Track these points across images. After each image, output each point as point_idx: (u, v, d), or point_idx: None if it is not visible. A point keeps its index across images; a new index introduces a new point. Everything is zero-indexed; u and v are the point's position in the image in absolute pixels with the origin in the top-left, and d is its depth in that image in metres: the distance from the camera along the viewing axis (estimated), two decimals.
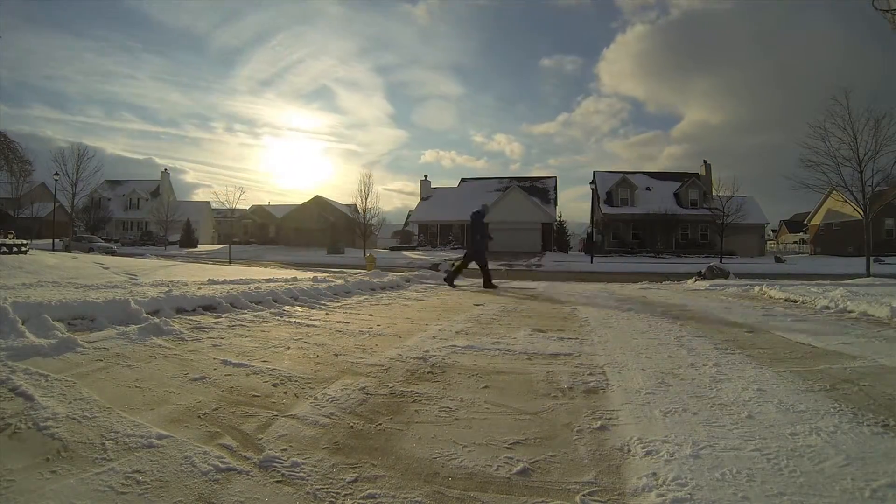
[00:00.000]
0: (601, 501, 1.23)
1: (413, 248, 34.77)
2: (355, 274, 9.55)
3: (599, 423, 1.77)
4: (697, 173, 36.73)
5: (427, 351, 2.94)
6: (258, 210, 47.16)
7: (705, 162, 36.86)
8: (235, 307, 4.57)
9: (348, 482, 1.29)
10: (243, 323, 3.76)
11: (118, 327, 3.19)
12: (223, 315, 4.09)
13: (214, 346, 2.90)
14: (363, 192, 31.53)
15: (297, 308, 4.88)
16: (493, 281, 8.75)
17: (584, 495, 1.25)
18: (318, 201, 43.54)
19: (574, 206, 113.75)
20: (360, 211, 31.97)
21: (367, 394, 2.08)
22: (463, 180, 42.95)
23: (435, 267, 12.51)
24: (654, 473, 1.34)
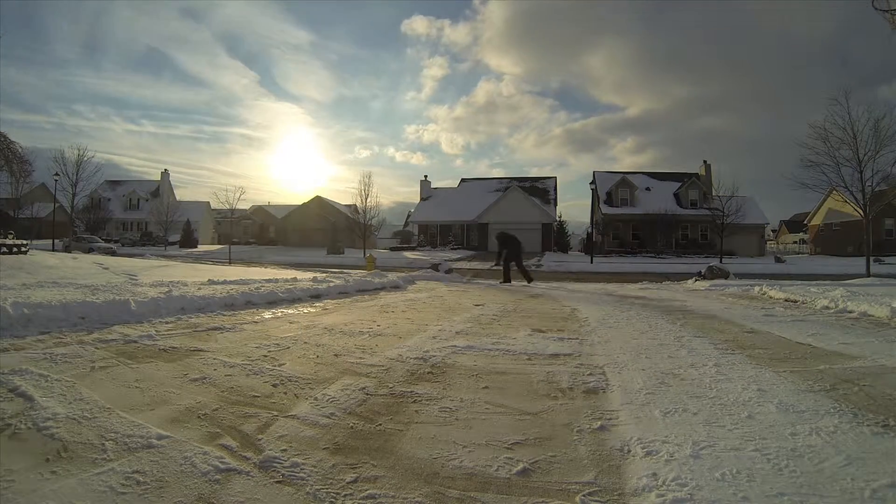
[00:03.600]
0: (601, 502, 1.23)
1: (413, 249, 34.75)
2: (355, 274, 9.55)
3: (599, 423, 1.77)
4: (697, 173, 36.68)
5: (427, 351, 2.94)
6: (258, 210, 47.30)
7: (705, 162, 36.82)
8: (235, 307, 4.58)
9: (348, 482, 1.29)
10: (243, 323, 3.77)
11: (117, 327, 3.20)
12: (223, 315, 4.09)
13: (214, 346, 2.90)
14: (363, 193, 31.55)
15: (297, 308, 4.88)
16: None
17: (584, 495, 1.25)
18: (319, 202, 43.59)
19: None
20: (360, 211, 31.97)
21: (368, 394, 2.08)
22: (463, 180, 42.91)
23: (435, 267, 12.50)
24: (654, 474, 1.34)
